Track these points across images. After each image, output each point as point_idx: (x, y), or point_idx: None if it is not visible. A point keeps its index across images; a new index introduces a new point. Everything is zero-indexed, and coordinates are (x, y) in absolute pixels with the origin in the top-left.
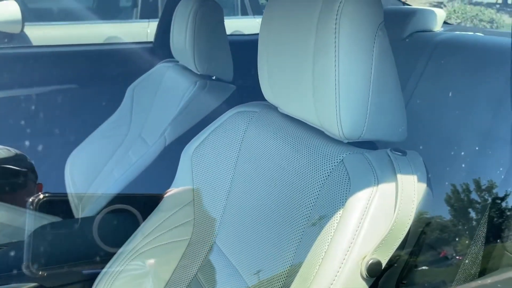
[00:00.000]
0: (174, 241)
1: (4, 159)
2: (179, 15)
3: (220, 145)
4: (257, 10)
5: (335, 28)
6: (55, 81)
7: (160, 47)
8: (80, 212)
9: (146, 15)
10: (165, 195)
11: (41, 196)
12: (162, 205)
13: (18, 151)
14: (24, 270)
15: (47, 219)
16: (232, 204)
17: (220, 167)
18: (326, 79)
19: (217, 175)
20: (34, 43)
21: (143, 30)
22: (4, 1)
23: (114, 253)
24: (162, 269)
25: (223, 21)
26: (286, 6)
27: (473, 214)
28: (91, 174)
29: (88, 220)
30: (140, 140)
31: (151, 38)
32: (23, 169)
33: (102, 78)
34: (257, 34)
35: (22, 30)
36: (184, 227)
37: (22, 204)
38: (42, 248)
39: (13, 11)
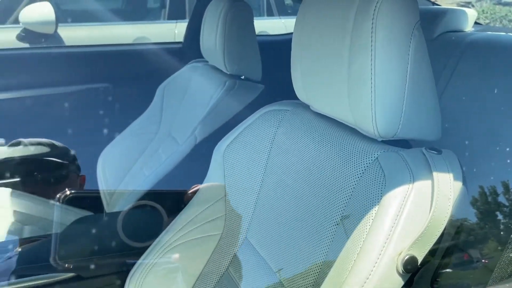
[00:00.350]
0: (206, 236)
1: (49, 152)
2: (209, 16)
3: (252, 143)
4: (283, 10)
5: (372, 28)
6: (88, 80)
7: (189, 48)
8: (110, 207)
9: (173, 16)
10: (197, 191)
11: (68, 192)
12: (195, 200)
13: (62, 144)
14: (59, 261)
15: (75, 213)
16: (264, 200)
17: (251, 164)
18: (362, 78)
19: (248, 172)
20: (66, 43)
21: (170, 31)
22: (39, 3)
23: (139, 247)
24: (194, 263)
25: (253, 22)
26: (321, 6)
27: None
28: (121, 170)
29: (113, 215)
30: (170, 138)
31: (178, 38)
32: (67, 162)
33: (133, 77)
34: (282, 34)
35: (55, 31)
36: (216, 222)
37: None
38: (74, 241)
39: (47, 12)
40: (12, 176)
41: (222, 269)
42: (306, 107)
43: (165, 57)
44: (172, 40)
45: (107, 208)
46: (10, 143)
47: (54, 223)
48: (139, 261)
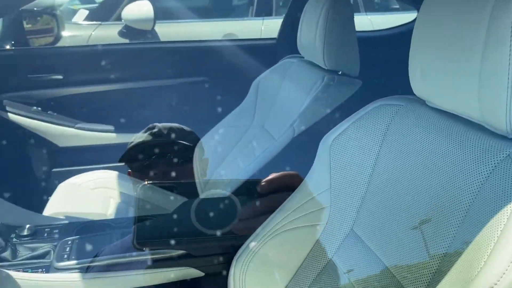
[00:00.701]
0: (310, 225)
1: (180, 136)
2: (309, 12)
3: (361, 136)
4: (370, 7)
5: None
6: (185, 74)
7: (283, 43)
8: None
9: (261, 13)
10: (272, 181)
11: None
12: (300, 190)
13: (189, 129)
14: (171, 239)
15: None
16: (373, 194)
17: (360, 158)
18: (498, 73)
19: (356, 165)
20: (161, 39)
21: (257, 28)
22: (140, 1)
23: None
24: (297, 250)
25: (353, 17)
26: (451, 1)
27: None
28: (216, 160)
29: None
30: (263, 131)
31: (264, 35)
32: (193, 145)
33: (228, 72)
34: (374, 31)
35: (153, 28)
36: (320, 213)
37: (192, 176)
38: (184, 221)
39: (147, 10)
40: (140, 160)
41: (327, 258)
42: (421, 102)
43: (259, 52)
44: (259, 37)
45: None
46: (146, 128)
47: (155, 206)
48: (244, 245)
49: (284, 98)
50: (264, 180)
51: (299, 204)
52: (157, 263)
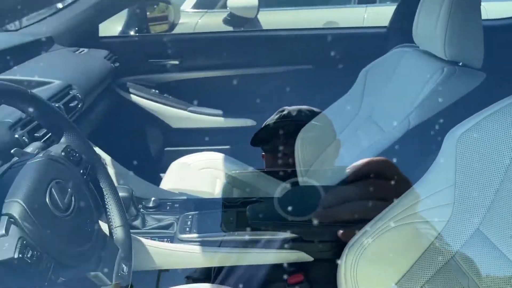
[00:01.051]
0: (428, 222)
1: (309, 117)
2: (429, 0)
3: (495, 132)
4: None
5: None
6: (291, 62)
7: (395, 32)
8: (304, 183)
9: (364, 1)
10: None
11: None
12: (419, 185)
13: (319, 110)
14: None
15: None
16: (507, 193)
17: (493, 155)
18: None
19: (487, 162)
20: (264, 27)
21: (359, 16)
22: None
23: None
24: (413, 246)
25: (480, 5)
26: None
27: None
28: (318, 148)
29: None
30: (370, 122)
31: (366, 23)
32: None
33: (334, 60)
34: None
35: (256, 15)
36: (442, 209)
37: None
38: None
39: None
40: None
41: (447, 256)
42: None
43: (368, 41)
44: (361, 25)
45: (301, 182)
46: (277, 111)
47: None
48: (357, 235)
49: (395, 89)
50: (352, 165)
51: (418, 199)
52: (270, 244)
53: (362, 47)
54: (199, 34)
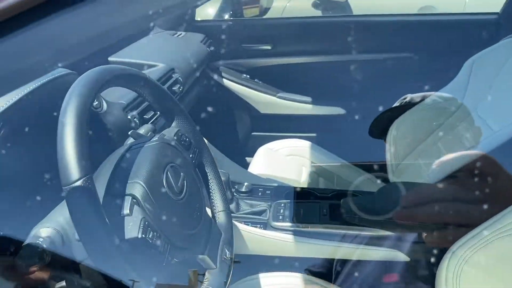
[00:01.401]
0: None
1: None
2: None
3: None
4: None
5: None
6: (390, 49)
7: (508, 19)
8: (395, 177)
9: None
10: None
11: None
12: None
13: None
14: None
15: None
16: None
17: None
18: None
19: None
20: (354, 12)
21: (459, 0)
22: None
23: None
24: None
25: None
26: None
27: None
28: (413, 142)
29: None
30: (476, 117)
31: (468, 9)
32: None
33: (437, 49)
34: None
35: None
36: None
37: None
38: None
39: None
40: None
41: None
42: None
43: (476, 29)
44: (462, 11)
45: (392, 178)
46: (400, 99)
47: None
48: (463, 239)
49: (507, 83)
50: (440, 161)
51: None
52: (364, 240)
53: (468, 36)
54: (292, 19)
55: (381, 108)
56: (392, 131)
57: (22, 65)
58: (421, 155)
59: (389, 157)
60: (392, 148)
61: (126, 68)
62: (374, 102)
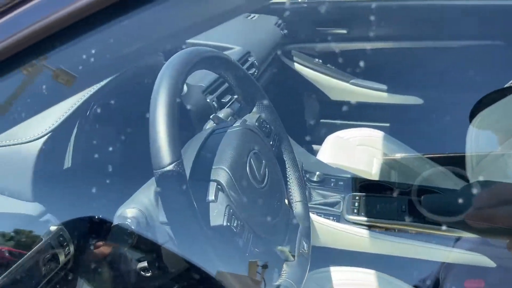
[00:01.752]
0: None
1: None
2: None
3: None
4: None
5: None
6: (474, 36)
7: None
8: (474, 174)
9: None
10: None
11: None
12: None
13: None
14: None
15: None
16: None
17: None
18: None
19: None
20: None
21: None
22: None
23: None
24: None
25: None
26: None
27: None
28: (498, 137)
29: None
30: None
31: None
32: None
33: None
34: None
35: None
36: None
37: None
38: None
39: None
40: None
41: None
42: None
43: None
44: None
45: (471, 175)
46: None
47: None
48: None
49: None
50: None
51: None
52: (446, 241)
53: None
54: (370, 2)
55: (462, 100)
56: (475, 123)
57: (123, 52)
58: (507, 152)
59: (469, 152)
60: (474, 143)
61: (213, 50)
62: (455, 93)
